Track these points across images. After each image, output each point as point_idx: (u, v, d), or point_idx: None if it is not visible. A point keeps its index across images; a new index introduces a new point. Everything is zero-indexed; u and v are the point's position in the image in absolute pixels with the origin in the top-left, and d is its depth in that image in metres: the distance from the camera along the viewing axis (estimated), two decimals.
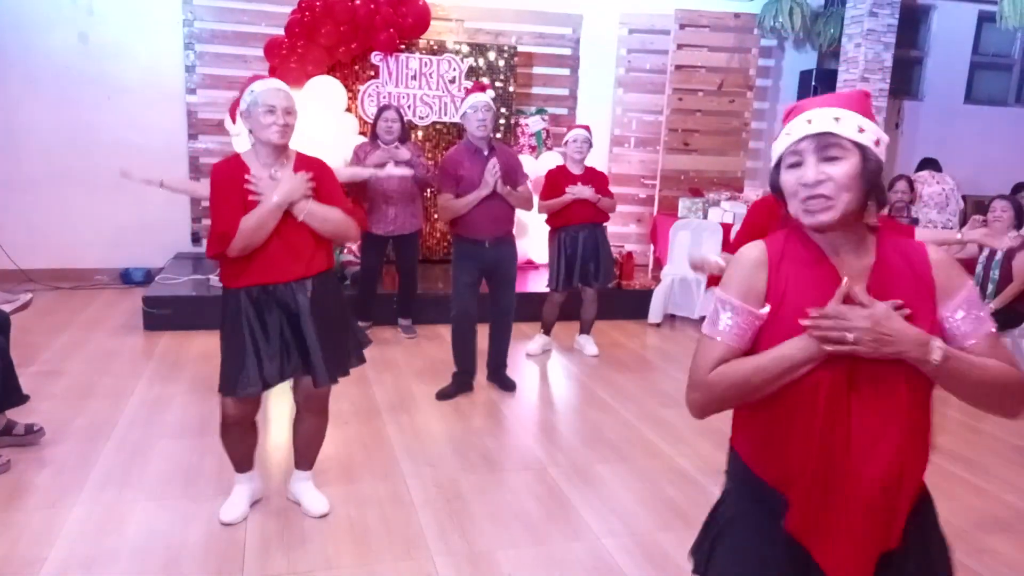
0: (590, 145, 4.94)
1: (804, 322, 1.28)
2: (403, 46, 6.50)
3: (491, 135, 4.13)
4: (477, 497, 3.09)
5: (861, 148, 1.30)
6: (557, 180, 4.87)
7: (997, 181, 8.11)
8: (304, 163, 2.65)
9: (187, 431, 3.58)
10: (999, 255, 4.78)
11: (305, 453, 2.94)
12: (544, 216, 5.00)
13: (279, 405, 3.92)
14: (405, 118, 5.36)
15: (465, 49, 6.73)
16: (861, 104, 1.34)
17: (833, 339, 1.26)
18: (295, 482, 2.97)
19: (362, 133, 6.25)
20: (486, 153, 4.06)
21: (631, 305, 6.17)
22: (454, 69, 6.68)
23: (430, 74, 6.61)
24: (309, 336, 2.60)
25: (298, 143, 2.71)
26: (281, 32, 6.11)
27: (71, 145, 6.45)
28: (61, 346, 4.83)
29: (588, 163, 5.00)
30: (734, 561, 1.43)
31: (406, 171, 4.89)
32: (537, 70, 7.35)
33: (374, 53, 6.41)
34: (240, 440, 2.80)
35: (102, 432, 3.53)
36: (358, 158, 5.01)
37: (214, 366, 2.67)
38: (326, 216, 2.59)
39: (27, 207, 6.43)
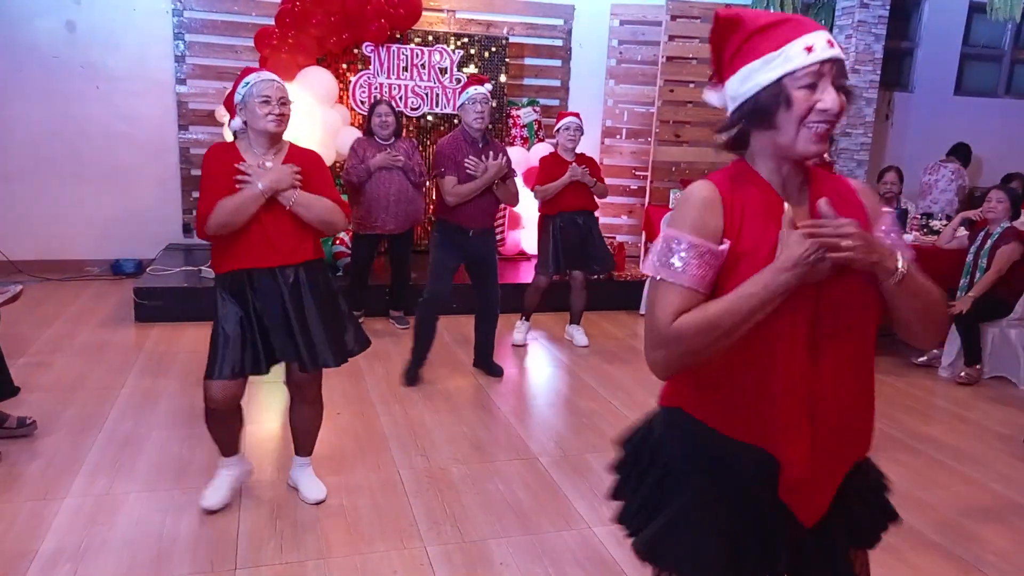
0: (581, 132, 4.99)
1: (802, 224, 1.22)
2: (394, 37, 6.47)
3: (488, 128, 4.16)
4: (469, 487, 3.10)
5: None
6: (551, 166, 4.90)
7: (987, 172, 8.16)
8: (297, 154, 2.70)
9: (178, 422, 3.58)
10: (988, 244, 4.81)
11: (302, 440, 2.97)
12: (536, 203, 5.01)
13: (273, 393, 3.92)
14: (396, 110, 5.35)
15: (456, 40, 6.70)
16: None
17: (830, 246, 1.21)
18: (294, 468, 3.00)
19: (353, 124, 6.23)
20: (481, 146, 4.10)
21: (622, 296, 6.19)
22: (445, 60, 6.66)
23: (421, 65, 6.58)
24: (291, 322, 2.63)
25: (289, 134, 2.73)
26: (271, 22, 6.06)
27: (60, 135, 6.39)
28: (51, 338, 4.81)
29: (579, 150, 5.04)
30: (692, 532, 1.37)
31: (394, 163, 4.93)
32: (529, 61, 7.33)
33: (365, 44, 6.38)
34: (225, 425, 2.79)
35: (93, 423, 3.53)
36: (357, 155, 4.99)
37: (205, 357, 2.66)
38: (311, 204, 2.62)
39: (16, 198, 6.38)
